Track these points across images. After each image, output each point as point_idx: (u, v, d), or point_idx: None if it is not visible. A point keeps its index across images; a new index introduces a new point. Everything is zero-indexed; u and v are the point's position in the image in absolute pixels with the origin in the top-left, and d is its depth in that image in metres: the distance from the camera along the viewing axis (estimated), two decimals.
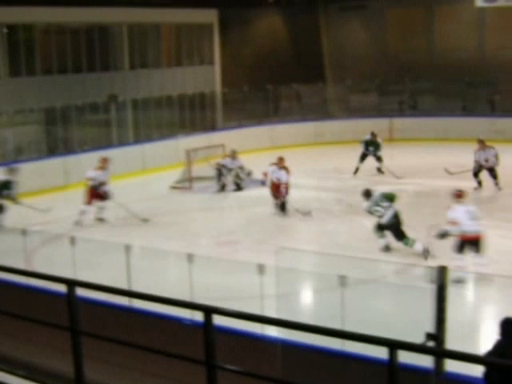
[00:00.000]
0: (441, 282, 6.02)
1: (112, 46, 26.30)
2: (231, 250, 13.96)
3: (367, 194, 13.83)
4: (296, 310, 10.95)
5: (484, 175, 18.68)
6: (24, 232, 11.44)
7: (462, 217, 11.69)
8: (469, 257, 11.80)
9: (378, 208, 13.48)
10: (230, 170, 19.71)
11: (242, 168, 19.78)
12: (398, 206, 16.87)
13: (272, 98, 29.57)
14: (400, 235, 13.42)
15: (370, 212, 13.67)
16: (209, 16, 29.38)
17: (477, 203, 17.26)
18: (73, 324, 4.63)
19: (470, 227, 11.65)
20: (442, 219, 15.88)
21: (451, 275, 11.69)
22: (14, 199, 16.48)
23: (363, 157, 21.29)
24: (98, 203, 16.72)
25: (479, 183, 18.77)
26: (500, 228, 15.00)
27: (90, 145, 23.60)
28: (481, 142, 18.96)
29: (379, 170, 21.13)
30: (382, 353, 3.48)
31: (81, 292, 4.75)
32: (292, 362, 7.21)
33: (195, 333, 4.30)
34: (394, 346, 3.44)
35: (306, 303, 11.89)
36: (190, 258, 9.38)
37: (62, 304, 4.71)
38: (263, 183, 16.58)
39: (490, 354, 6.04)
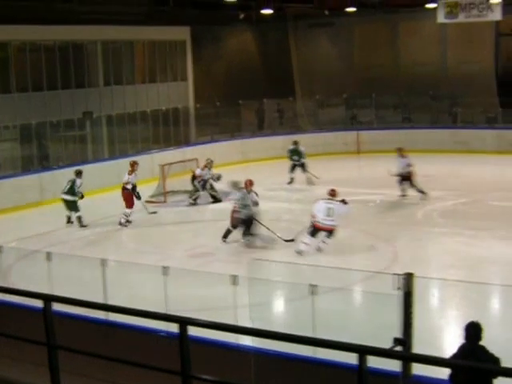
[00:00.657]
0: (407, 289, 6.40)
1: (86, 64, 26.48)
2: (205, 261, 14.18)
3: (235, 185, 15.50)
4: (269, 319, 11.13)
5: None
6: (0, 248, 11.48)
7: (320, 211, 14.37)
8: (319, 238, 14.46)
9: (247, 199, 15.10)
10: (207, 180, 19.97)
11: (213, 177, 20.06)
12: (364, 215, 17.54)
13: (256, 113, 30.05)
14: (247, 230, 15.09)
15: (239, 202, 15.09)
16: (181, 33, 29.63)
17: (440, 212, 17.92)
18: (49, 339, 4.62)
19: (322, 220, 14.36)
20: (405, 228, 16.57)
21: (296, 248, 13.75)
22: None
23: (293, 167, 22.10)
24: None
25: (403, 190, 19.19)
26: (462, 235, 15.57)
27: (66, 161, 23.79)
28: (398, 150, 19.50)
29: (309, 181, 21.80)
30: (352, 358, 3.55)
31: (58, 306, 4.80)
32: (265, 370, 7.44)
33: (171, 344, 4.29)
34: (363, 351, 3.50)
35: (279, 312, 12.11)
36: (165, 270, 9.51)
37: (38, 319, 4.71)
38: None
39: (456, 356, 6.32)
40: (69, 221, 17.88)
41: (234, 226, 15.44)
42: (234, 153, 26.33)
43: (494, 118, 27.76)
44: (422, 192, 18.92)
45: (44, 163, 23.80)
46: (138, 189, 18.10)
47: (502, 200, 18.83)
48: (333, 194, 14.88)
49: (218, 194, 20.02)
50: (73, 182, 17.76)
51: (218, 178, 19.97)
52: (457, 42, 29.68)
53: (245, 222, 15.12)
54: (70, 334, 5.63)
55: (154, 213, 18.87)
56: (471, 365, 4.30)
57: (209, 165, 20.16)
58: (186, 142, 28.17)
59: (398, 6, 28.34)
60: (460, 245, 14.99)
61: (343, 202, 14.81)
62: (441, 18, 25.37)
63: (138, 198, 18.11)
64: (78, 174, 17.99)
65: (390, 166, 19.19)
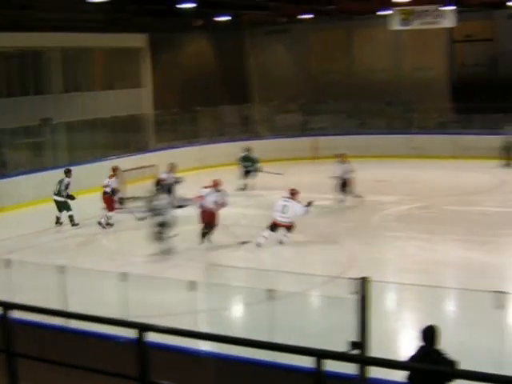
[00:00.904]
0: (363, 293, 6.56)
1: (45, 70, 26.32)
2: (165, 267, 14.30)
3: (169, 190, 16.42)
4: (228, 324, 11.29)
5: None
6: None
7: (277, 208, 15.70)
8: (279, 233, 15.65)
9: (172, 203, 16.07)
10: (171, 184, 19.76)
11: (177, 180, 20.03)
12: (321, 220, 17.74)
13: (216, 119, 30.17)
14: (162, 233, 15.45)
15: (165, 206, 15.62)
16: (139, 40, 29.65)
17: (396, 216, 18.25)
18: (8, 346, 4.55)
19: (278, 217, 15.66)
20: (361, 232, 16.86)
21: (256, 241, 14.72)
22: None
23: (246, 173, 22.47)
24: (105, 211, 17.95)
25: (341, 195, 19.57)
26: (417, 239, 15.86)
27: (24, 168, 23.66)
28: (338, 156, 19.95)
29: (252, 187, 22.23)
30: (309, 362, 3.57)
31: (17, 314, 4.73)
32: (225, 375, 7.59)
33: (130, 350, 4.27)
34: (320, 355, 3.50)
35: (237, 317, 12.27)
36: (124, 276, 9.56)
37: None
38: (202, 206, 16.08)
39: (414, 358, 6.53)
40: (57, 221, 18.08)
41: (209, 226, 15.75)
42: (191, 159, 26.37)
43: (448, 123, 28.30)
44: (358, 197, 19.35)
45: (2, 170, 23.64)
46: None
47: (456, 204, 19.24)
48: (292, 192, 15.93)
49: (180, 201, 19.99)
50: (60, 182, 17.94)
51: (180, 181, 20.04)
52: (411, 48, 30.14)
53: (163, 225, 15.33)
54: (29, 341, 5.62)
55: (144, 218, 18.58)
56: (426, 368, 4.38)
57: (173, 169, 20.22)
58: (145, 149, 28.12)
59: (352, 13, 28.68)
60: (415, 248, 15.26)
61: (309, 204, 15.61)
62: (395, 25, 25.76)
63: (120, 203, 18.34)
64: (67, 172, 18.26)
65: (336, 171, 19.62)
